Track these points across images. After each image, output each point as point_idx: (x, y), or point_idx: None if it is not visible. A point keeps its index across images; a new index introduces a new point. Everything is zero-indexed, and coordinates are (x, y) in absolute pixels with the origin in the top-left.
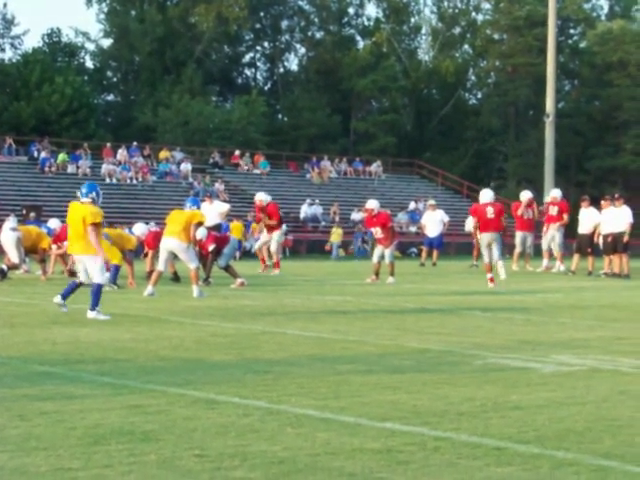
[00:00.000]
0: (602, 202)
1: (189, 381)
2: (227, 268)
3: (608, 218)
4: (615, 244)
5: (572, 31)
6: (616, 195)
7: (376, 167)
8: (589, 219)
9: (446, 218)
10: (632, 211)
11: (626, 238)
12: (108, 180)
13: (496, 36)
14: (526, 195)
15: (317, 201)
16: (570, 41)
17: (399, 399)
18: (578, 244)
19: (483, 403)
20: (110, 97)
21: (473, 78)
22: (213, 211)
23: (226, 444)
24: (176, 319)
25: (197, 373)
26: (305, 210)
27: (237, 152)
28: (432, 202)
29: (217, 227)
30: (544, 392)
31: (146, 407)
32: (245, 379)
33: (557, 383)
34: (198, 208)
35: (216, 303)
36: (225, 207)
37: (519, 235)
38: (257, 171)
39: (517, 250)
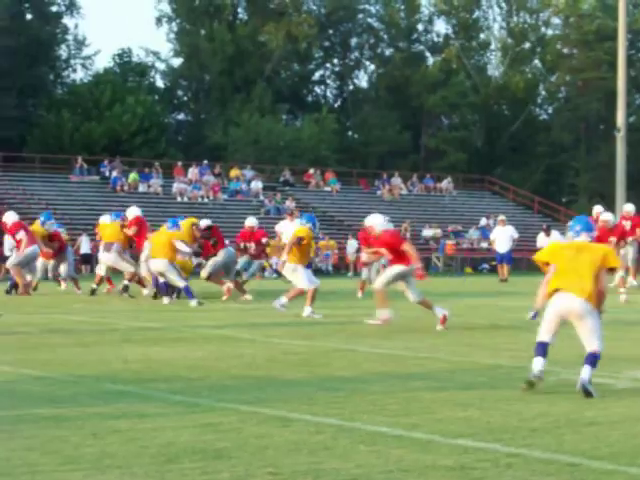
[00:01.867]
0: None
1: (261, 399)
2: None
3: None
4: None
5: None
6: None
7: (447, 184)
8: None
9: (516, 234)
10: None
11: None
12: (179, 199)
13: (566, 51)
14: (597, 209)
15: (388, 218)
16: None
17: (471, 415)
18: None
19: (556, 419)
20: (181, 116)
21: (543, 93)
22: (292, 228)
23: (299, 462)
24: (247, 336)
25: (268, 391)
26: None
27: (311, 170)
28: (502, 217)
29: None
30: (618, 408)
31: (218, 425)
32: (317, 396)
33: (631, 399)
34: (178, 229)
35: (288, 320)
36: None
37: None
38: (327, 188)
39: None
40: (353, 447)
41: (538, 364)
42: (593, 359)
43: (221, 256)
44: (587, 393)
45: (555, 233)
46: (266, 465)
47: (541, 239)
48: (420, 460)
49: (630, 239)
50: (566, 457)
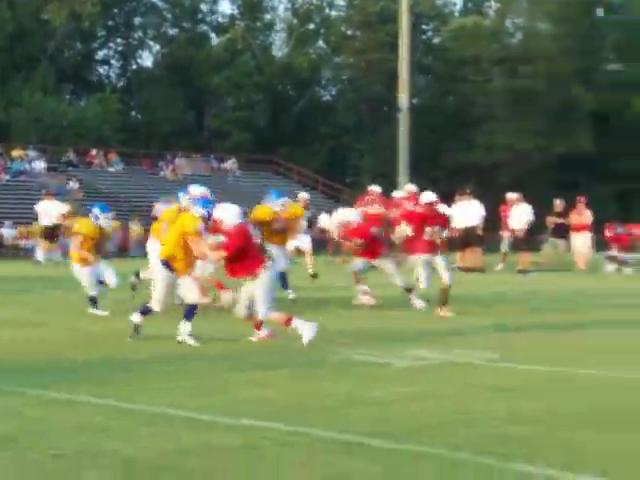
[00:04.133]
0: (456, 196)
1: (46, 382)
2: None
3: (459, 213)
4: (468, 238)
5: (425, 27)
6: (467, 190)
7: (231, 164)
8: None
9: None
10: (483, 206)
11: (479, 232)
12: None
13: (349, 32)
14: (373, 190)
15: (172, 199)
16: (424, 37)
17: (262, 395)
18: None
19: (338, 398)
20: None
21: (327, 74)
22: (54, 209)
23: (80, 442)
24: (38, 320)
25: (55, 373)
26: (158, 208)
27: (94, 151)
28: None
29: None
30: (398, 386)
31: (1, 409)
32: (103, 378)
33: (412, 377)
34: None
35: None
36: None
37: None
38: (111, 169)
39: None
40: (134, 429)
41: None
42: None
43: None
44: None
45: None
46: (49, 447)
47: (324, 219)
48: (201, 440)
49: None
50: (347, 436)
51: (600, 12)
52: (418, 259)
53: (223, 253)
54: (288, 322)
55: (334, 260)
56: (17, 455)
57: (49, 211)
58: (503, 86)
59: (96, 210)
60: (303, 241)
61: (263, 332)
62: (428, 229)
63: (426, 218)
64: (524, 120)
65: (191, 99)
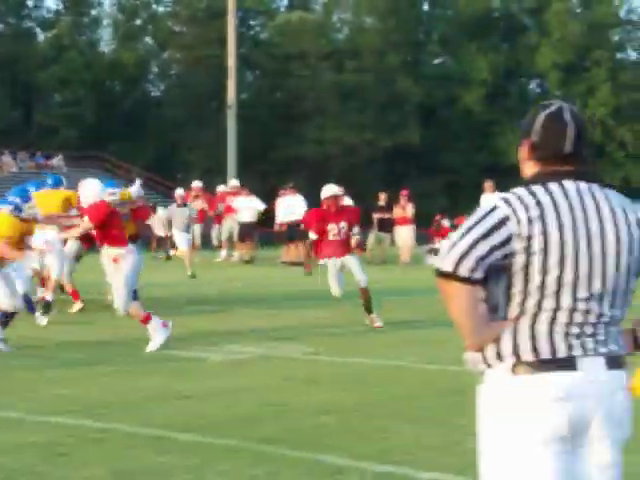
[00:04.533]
0: (280, 191)
1: None
2: None
3: (283, 207)
4: (293, 233)
5: (253, 22)
6: (290, 184)
7: (58, 161)
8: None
9: None
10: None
11: (302, 226)
12: None
13: (177, 28)
14: (195, 185)
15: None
16: (252, 32)
17: (69, 393)
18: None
19: (148, 393)
20: None
21: (155, 70)
22: None
23: None
24: None
25: None
26: None
27: None
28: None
29: None
30: (212, 380)
31: None
32: None
33: (226, 371)
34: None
35: None
36: None
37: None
38: None
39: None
40: None
41: None
42: None
43: None
44: None
45: (161, 209)
46: None
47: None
48: (8, 439)
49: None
50: (154, 430)
51: (426, 6)
52: (327, 262)
53: (89, 224)
54: (147, 320)
55: (158, 256)
56: None
57: None
58: (331, 81)
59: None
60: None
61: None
62: (332, 226)
63: (327, 215)
64: (352, 114)
65: (18, 96)
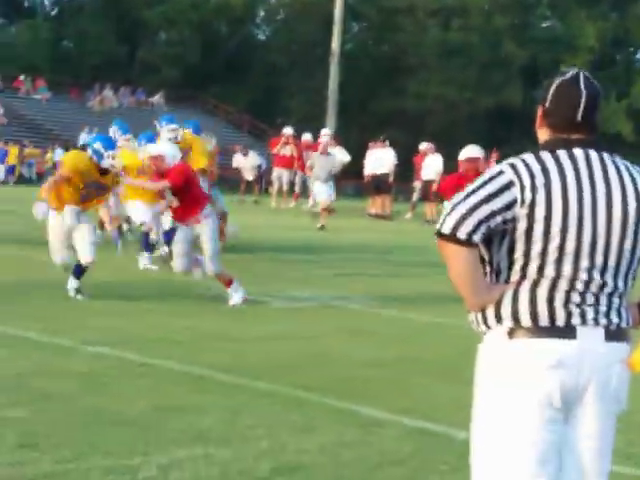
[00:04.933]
0: (370, 144)
1: None
2: None
3: (372, 160)
4: (378, 185)
5: None
6: (382, 137)
7: (158, 98)
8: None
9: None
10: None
11: (390, 179)
12: None
13: None
14: (286, 132)
15: (95, 129)
16: None
17: (119, 325)
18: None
19: (199, 332)
20: None
21: (262, 13)
22: None
23: None
24: None
25: None
26: (83, 138)
27: (21, 77)
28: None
29: None
30: (265, 325)
31: None
32: None
33: (281, 318)
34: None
35: None
36: None
37: (276, 171)
38: (38, 96)
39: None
40: None
41: None
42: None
43: None
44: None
45: (252, 154)
46: None
47: (238, 159)
48: (55, 365)
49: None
50: (198, 369)
51: None
52: None
53: (167, 183)
54: (229, 283)
55: (244, 199)
56: None
57: None
58: (436, 37)
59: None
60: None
61: (238, 295)
62: None
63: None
64: (456, 71)
65: (124, 32)
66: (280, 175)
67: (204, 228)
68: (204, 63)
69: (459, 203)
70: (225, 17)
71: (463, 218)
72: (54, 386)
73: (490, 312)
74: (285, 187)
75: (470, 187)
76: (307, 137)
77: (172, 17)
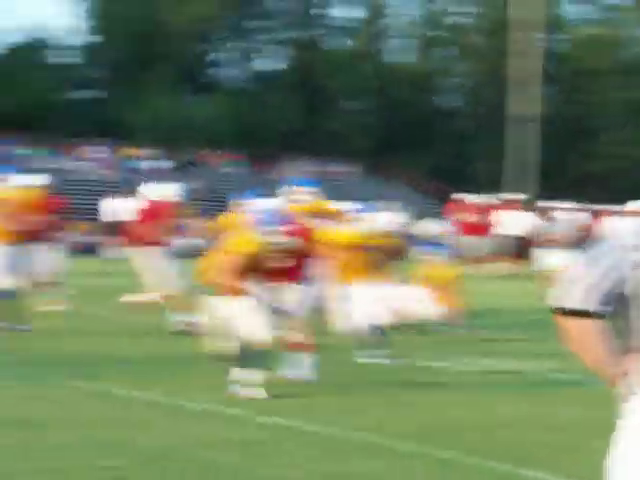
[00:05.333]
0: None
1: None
2: None
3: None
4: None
5: (552, 36)
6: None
7: (343, 167)
8: None
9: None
10: None
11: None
12: (79, 176)
13: (471, 39)
14: (467, 198)
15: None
16: (549, 45)
17: (286, 395)
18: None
19: (382, 400)
20: (87, 93)
21: (449, 80)
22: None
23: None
24: None
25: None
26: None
27: (207, 151)
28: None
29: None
30: (442, 390)
31: None
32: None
33: (462, 383)
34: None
35: None
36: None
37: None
38: (224, 169)
39: None
40: (157, 420)
41: None
42: None
43: None
44: None
45: (432, 220)
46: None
47: (418, 226)
48: (222, 435)
49: None
50: (366, 434)
51: None
52: None
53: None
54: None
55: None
56: (33, 439)
57: (115, 208)
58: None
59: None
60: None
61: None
62: None
63: None
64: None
65: (307, 102)
66: (459, 241)
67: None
68: (388, 130)
69: (583, 274)
70: (409, 84)
71: (591, 289)
72: (221, 456)
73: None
74: (477, 253)
75: (590, 254)
76: (490, 200)
77: (356, 85)
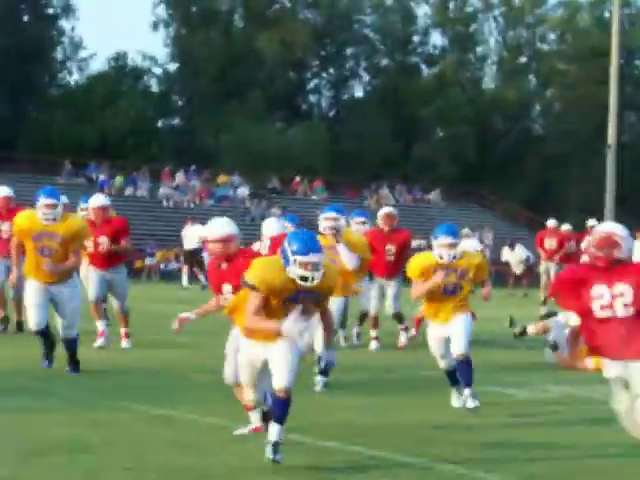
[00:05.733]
0: (637, 234)
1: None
2: None
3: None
4: None
5: (638, 62)
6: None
7: (435, 195)
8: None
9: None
10: None
11: None
12: (165, 204)
13: (561, 66)
14: (550, 224)
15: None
16: (637, 72)
17: (348, 419)
18: None
19: (430, 421)
20: (173, 121)
21: (537, 107)
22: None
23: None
24: None
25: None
26: None
27: (297, 178)
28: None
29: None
30: (500, 416)
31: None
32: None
33: (522, 408)
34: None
35: None
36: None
37: (543, 265)
38: (315, 197)
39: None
40: (222, 445)
41: None
42: None
43: None
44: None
45: (519, 247)
46: (125, 460)
47: (506, 253)
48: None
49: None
50: (419, 459)
51: None
52: None
53: None
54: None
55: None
56: (87, 464)
57: (191, 235)
58: None
59: None
60: None
61: None
62: None
63: None
64: None
65: (400, 129)
66: (547, 268)
67: None
68: (480, 158)
69: None
70: (501, 111)
71: None
72: None
73: None
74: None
75: None
76: (566, 227)
77: (448, 113)
